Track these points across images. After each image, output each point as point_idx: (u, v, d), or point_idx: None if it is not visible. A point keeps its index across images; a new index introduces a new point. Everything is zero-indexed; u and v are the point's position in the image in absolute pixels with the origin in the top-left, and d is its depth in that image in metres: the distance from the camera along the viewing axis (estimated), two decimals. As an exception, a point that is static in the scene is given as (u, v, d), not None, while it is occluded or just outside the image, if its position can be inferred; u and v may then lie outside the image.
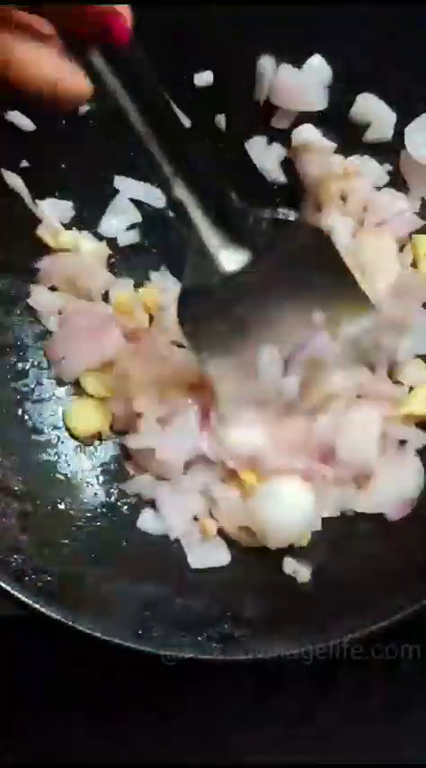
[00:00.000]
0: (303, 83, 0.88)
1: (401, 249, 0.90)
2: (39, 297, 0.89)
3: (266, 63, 0.87)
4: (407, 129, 0.88)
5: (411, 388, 0.86)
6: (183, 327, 0.79)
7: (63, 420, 0.87)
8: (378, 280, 0.86)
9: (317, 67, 0.88)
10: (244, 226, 0.77)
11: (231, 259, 0.77)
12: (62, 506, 0.82)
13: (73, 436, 0.87)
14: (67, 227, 0.92)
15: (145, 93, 0.66)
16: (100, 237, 0.94)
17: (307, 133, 0.90)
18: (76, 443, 0.87)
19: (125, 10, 0.59)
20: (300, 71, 0.88)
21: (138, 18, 0.60)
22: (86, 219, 0.93)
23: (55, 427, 0.87)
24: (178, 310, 0.78)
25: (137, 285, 0.94)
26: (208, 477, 0.83)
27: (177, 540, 0.83)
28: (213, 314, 0.79)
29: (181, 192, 0.72)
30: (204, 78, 0.89)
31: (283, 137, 0.92)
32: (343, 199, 0.90)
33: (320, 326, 0.80)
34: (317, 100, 0.89)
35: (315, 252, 0.80)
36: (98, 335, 0.87)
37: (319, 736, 0.86)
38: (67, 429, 0.87)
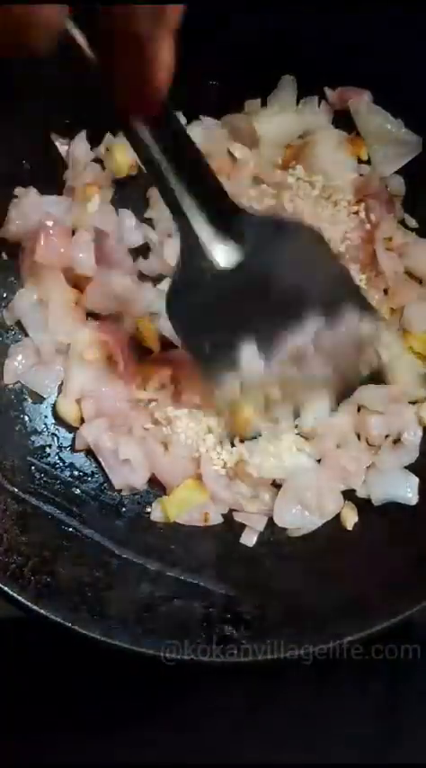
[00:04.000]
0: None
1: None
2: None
3: None
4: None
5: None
6: (173, 321, 0.79)
7: (53, 410, 0.87)
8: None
9: None
10: (238, 223, 0.76)
11: (224, 255, 0.77)
12: (61, 508, 0.82)
13: (65, 424, 0.87)
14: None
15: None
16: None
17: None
18: (77, 449, 0.87)
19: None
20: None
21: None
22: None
23: (54, 429, 0.87)
24: (167, 304, 0.78)
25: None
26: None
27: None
28: (203, 310, 0.79)
29: (177, 187, 0.72)
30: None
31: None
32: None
33: (311, 328, 0.80)
34: None
35: (312, 252, 0.80)
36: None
37: (319, 736, 0.86)
38: (59, 418, 0.87)
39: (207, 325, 0.80)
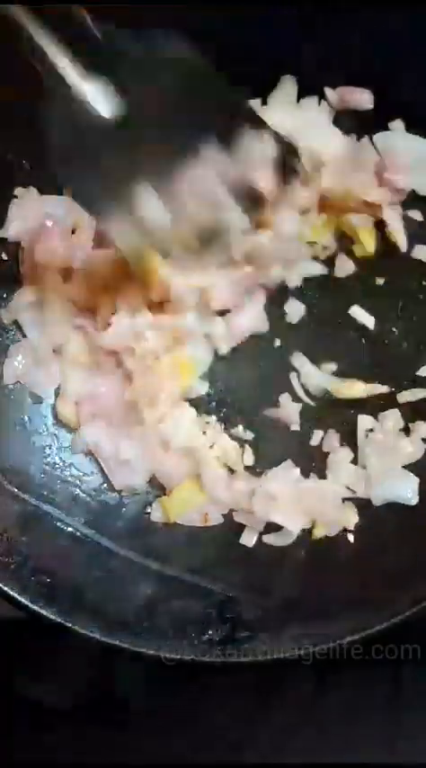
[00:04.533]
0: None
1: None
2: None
3: None
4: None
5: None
6: (61, 178, 0.75)
7: (53, 410, 0.87)
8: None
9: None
10: (109, 57, 0.68)
11: (99, 98, 0.70)
12: (61, 508, 0.82)
13: (64, 424, 0.87)
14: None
15: None
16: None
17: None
18: (78, 449, 0.87)
19: None
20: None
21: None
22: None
23: (54, 429, 0.87)
24: (52, 162, 0.73)
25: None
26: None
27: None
28: (92, 162, 0.73)
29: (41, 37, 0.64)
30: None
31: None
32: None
33: (208, 160, 0.76)
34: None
35: (196, 80, 0.74)
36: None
37: (319, 736, 0.86)
38: (58, 419, 0.87)
39: (98, 176, 0.74)
